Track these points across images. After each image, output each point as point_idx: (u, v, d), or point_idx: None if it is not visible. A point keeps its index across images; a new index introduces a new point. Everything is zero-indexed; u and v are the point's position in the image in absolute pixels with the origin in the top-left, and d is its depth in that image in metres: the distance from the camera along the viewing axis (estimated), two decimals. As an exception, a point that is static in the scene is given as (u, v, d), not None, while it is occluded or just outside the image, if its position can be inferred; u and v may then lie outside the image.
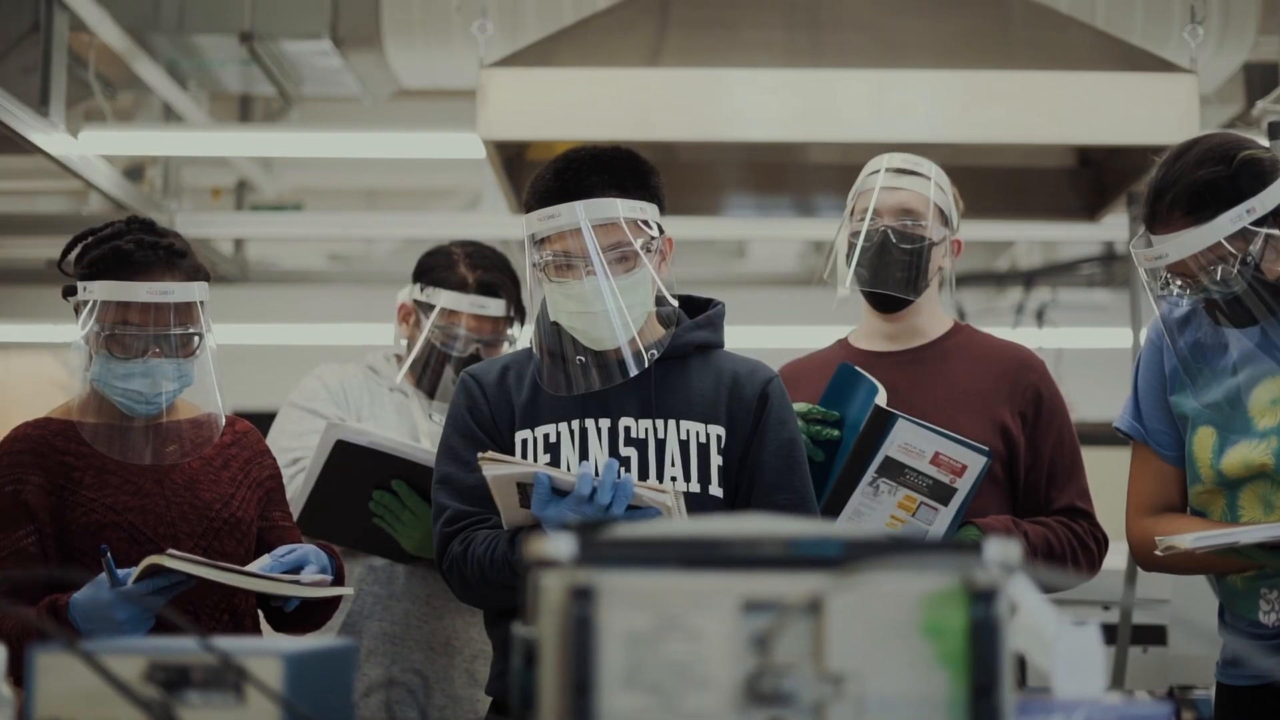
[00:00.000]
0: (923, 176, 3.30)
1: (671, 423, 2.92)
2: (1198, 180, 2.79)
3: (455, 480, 2.93)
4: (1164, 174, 2.84)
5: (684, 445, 2.91)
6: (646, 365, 2.91)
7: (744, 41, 4.66)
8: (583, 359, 2.91)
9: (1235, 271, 2.77)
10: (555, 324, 2.93)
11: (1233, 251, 2.77)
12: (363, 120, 7.65)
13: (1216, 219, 2.76)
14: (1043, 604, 1.53)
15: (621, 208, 2.88)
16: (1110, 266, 8.71)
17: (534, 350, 2.96)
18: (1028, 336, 8.67)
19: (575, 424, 2.91)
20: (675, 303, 2.97)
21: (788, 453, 2.95)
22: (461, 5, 5.84)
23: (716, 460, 2.92)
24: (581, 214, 2.85)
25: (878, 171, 3.32)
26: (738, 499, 2.93)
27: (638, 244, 2.87)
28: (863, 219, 3.28)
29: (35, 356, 8.68)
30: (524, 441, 2.92)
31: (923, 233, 3.26)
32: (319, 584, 2.89)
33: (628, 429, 2.91)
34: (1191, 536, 2.75)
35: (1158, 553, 2.83)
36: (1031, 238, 8.48)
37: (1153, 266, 2.84)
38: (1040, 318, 9.03)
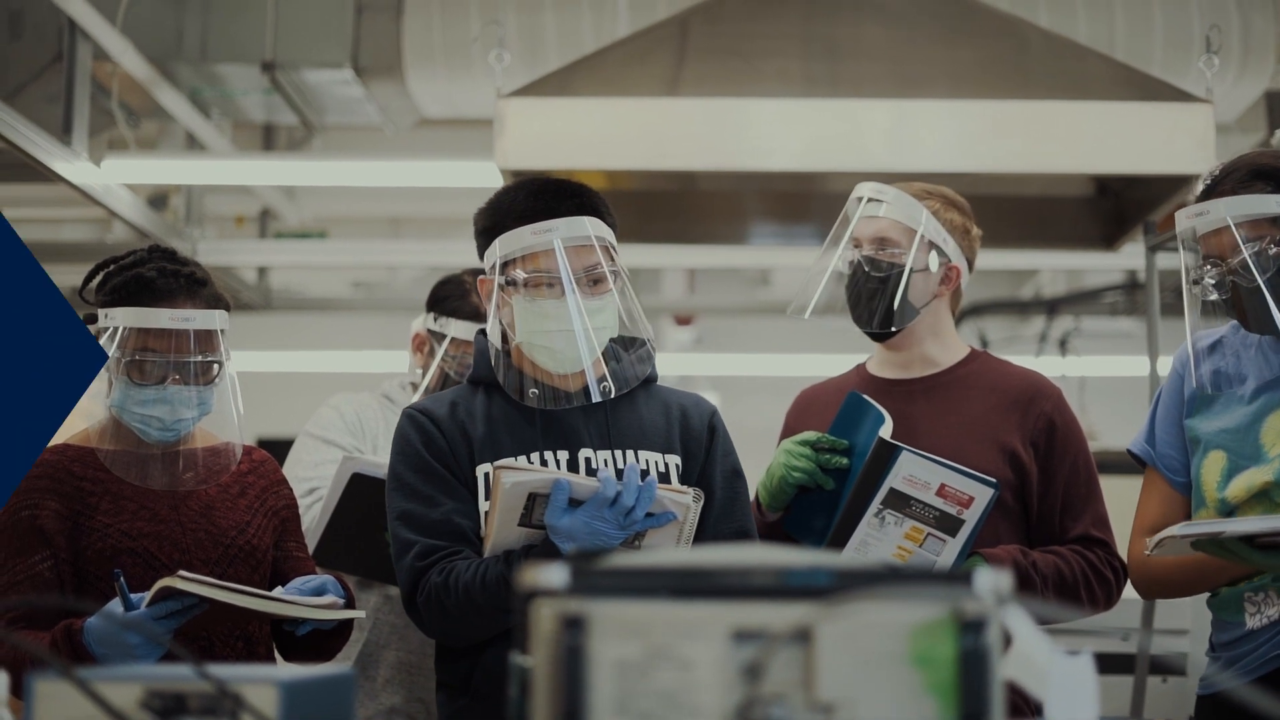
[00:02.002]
0: (899, 205, 3.24)
1: (630, 453, 2.92)
2: (1257, 163, 2.88)
3: (418, 516, 2.86)
4: (1223, 165, 2.93)
5: (644, 475, 2.90)
6: (614, 393, 2.91)
7: (762, 71, 4.68)
8: (536, 390, 2.90)
9: (1270, 255, 2.81)
10: (513, 351, 2.92)
11: (1272, 237, 2.82)
12: (385, 149, 7.69)
13: (1267, 195, 2.83)
14: (1036, 633, 1.53)
15: (605, 229, 2.90)
16: (1134, 295, 8.69)
17: (498, 375, 2.93)
18: (1051, 365, 8.65)
19: (535, 456, 2.89)
20: (638, 332, 2.97)
21: (732, 484, 2.98)
22: (480, 35, 5.87)
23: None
24: (563, 231, 2.84)
25: (860, 200, 3.31)
26: None
27: (608, 268, 2.88)
28: (836, 247, 3.28)
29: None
30: (485, 475, 2.88)
31: (894, 260, 3.23)
32: (330, 606, 2.90)
33: (588, 460, 2.90)
34: (1179, 527, 2.75)
35: (1146, 553, 2.83)
36: (1049, 266, 8.47)
37: (1193, 226, 2.88)
38: (1064, 346, 9.01)
